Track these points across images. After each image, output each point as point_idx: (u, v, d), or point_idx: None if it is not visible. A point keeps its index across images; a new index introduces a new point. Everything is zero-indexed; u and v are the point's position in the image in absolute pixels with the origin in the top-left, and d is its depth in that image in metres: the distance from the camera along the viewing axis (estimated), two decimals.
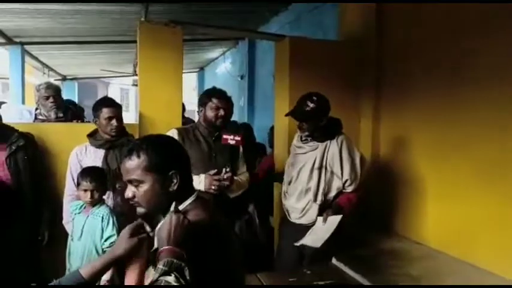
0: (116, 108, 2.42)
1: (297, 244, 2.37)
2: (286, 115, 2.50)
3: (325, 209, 2.41)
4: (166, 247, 1.01)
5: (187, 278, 0.94)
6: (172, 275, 0.92)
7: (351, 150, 2.45)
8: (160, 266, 0.95)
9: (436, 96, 2.82)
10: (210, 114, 2.36)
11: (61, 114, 3.01)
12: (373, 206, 3.35)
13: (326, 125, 2.43)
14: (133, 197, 1.17)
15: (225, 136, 2.31)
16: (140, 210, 1.20)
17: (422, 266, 2.45)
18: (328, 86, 3.28)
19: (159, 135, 1.33)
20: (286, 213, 2.58)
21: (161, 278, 0.92)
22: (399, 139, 3.21)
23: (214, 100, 2.36)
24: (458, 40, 2.63)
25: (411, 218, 3.04)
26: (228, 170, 2.23)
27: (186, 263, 0.97)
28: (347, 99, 3.48)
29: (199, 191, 1.40)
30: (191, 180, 1.32)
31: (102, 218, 2.13)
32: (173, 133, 2.33)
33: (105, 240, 2.12)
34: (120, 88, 20.75)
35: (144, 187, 1.15)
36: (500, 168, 2.34)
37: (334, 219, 2.33)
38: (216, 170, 2.23)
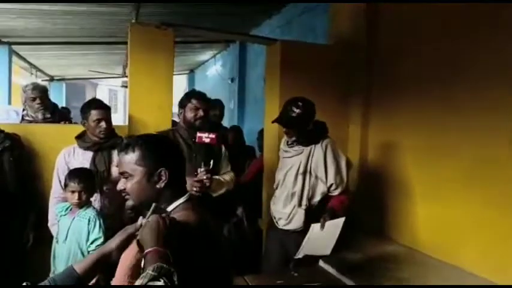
0: (105, 111, 2.41)
1: (299, 256, 2.32)
2: (273, 122, 2.50)
3: (311, 214, 2.41)
4: (151, 249, 1.01)
5: (176, 282, 0.95)
6: (162, 281, 0.93)
7: (336, 153, 2.47)
8: (149, 271, 0.94)
9: (424, 101, 2.86)
10: (189, 115, 2.41)
11: (48, 115, 2.98)
12: (361, 210, 3.38)
13: (311, 129, 2.45)
14: (124, 189, 1.24)
15: (199, 134, 2.31)
16: (129, 202, 1.29)
17: (410, 270, 2.48)
18: (318, 90, 3.31)
19: (156, 134, 1.41)
20: (274, 220, 2.58)
21: (150, 283, 0.92)
22: (387, 144, 3.25)
23: (193, 101, 2.42)
24: (449, 45, 2.67)
25: (399, 221, 3.08)
26: (202, 170, 2.23)
27: (174, 266, 0.98)
28: (336, 103, 3.51)
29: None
30: (183, 181, 1.34)
31: (89, 220, 2.11)
32: None
33: (91, 243, 2.09)
34: (109, 89, 20.56)
35: (134, 180, 1.21)
36: (484, 172, 2.39)
37: (338, 223, 2.30)
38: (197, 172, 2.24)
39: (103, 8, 4.43)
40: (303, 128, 2.41)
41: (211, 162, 2.26)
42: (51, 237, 2.26)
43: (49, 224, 2.36)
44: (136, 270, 1.06)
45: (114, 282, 1.14)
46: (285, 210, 2.50)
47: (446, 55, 2.70)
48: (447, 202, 2.64)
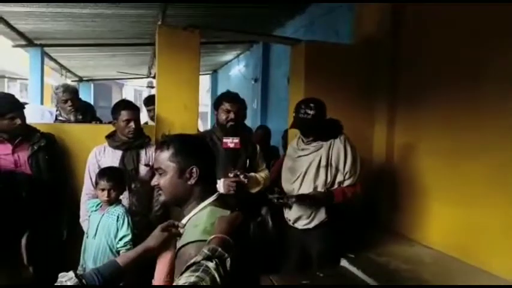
0: (134, 111, 2.48)
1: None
2: (290, 128, 2.56)
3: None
4: (219, 235, 1.06)
5: (228, 269, 0.98)
6: (214, 262, 0.95)
7: (353, 148, 2.51)
8: (205, 250, 0.99)
9: (451, 101, 2.80)
10: (222, 117, 2.46)
11: (80, 117, 3.09)
12: (386, 210, 3.35)
13: (328, 125, 2.48)
14: (158, 184, 1.29)
15: (224, 140, 2.42)
16: (161, 198, 1.34)
17: (434, 271, 2.44)
18: (343, 90, 3.31)
19: (190, 134, 1.46)
20: (289, 223, 2.57)
21: (203, 261, 0.95)
22: (413, 144, 3.20)
23: (225, 104, 2.47)
24: (477, 44, 2.61)
25: (423, 222, 3.03)
26: (238, 173, 2.33)
27: (231, 254, 1.01)
28: (361, 103, 3.48)
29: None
30: (214, 181, 1.39)
31: (118, 217, 2.17)
32: None
33: (120, 240, 2.15)
34: (134, 89, 21.01)
35: (166, 176, 1.26)
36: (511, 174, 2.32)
37: None
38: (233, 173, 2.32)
39: (130, 11, 4.55)
40: (319, 128, 2.45)
41: (247, 161, 2.37)
42: (83, 232, 2.35)
43: (80, 220, 2.45)
44: (172, 276, 1.12)
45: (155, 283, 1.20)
46: (302, 208, 2.49)
47: (472, 56, 2.64)
48: (474, 204, 2.58)
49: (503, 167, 2.38)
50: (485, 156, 2.52)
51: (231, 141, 2.42)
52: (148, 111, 3.77)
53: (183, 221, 1.28)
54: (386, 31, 3.43)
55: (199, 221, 1.20)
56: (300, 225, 2.53)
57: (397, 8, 3.38)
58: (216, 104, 2.52)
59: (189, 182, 1.25)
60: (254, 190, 2.50)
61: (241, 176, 2.32)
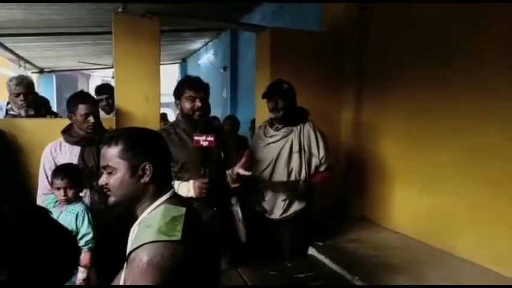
0: (93, 105, 2.31)
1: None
2: (265, 96, 2.49)
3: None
4: None
5: None
6: None
7: (321, 132, 2.56)
8: None
9: (419, 86, 2.83)
10: (186, 106, 2.15)
11: (32, 112, 2.88)
12: (352, 196, 3.38)
13: (296, 110, 2.52)
14: (106, 184, 1.20)
15: (196, 138, 2.11)
16: (111, 199, 1.22)
17: (402, 256, 2.48)
18: (310, 77, 3.28)
19: (142, 128, 1.33)
20: (265, 214, 2.55)
21: None
22: (380, 130, 3.22)
23: (188, 91, 2.15)
24: (443, 31, 2.63)
25: (390, 207, 3.08)
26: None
27: None
28: (329, 90, 3.48)
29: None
30: (169, 177, 1.30)
31: (77, 215, 2.06)
32: None
33: (81, 239, 2.06)
34: (101, 80, 20.32)
35: (117, 175, 1.17)
36: (479, 159, 2.37)
37: None
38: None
39: None
40: (291, 103, 2.46)
41: (222, 154, 2.18)
42: None
43: None
44: None
45: None
46: (279, 197, 2.47)
47: (437, 42, 2.66)
48: (440, 189, 2.64)
49: (469, 151, 2.43)
50: (451, 141, 2.56)
51: (204, 139, 2.10)
52: (100, 100, 3.24)
53: (136, 223, 1.21)
54: (354, 18, 3.42)
55: (152, 221, 1.12)
56: (276, 215, 2.50)
57: None
58: (178, 92, 2.20)
59: (142, 180, 1.17)
60: (234, 184, 2.33)
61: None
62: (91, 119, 2.28)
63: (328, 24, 3.63)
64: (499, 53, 2.25)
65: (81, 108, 2.26)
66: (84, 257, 2.02)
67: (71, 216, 2.07)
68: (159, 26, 2.90)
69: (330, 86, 3.47)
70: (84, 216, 2.08)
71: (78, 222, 2.07)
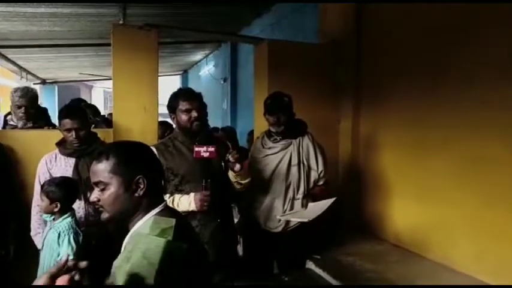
0: (75, 120, 2.23)
1: (280, 217, 2.36)
2: (265, 114, 2.47)
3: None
4: None
5: None
6: None
7: (320, 145, 2.55)
8: None
9: (415, 97, 2.83)
10: (183, 119, 2.11)
11: (30, 125, 2.87)
12: (350, 207, 3.35)
13: (295, 123, 2.51)
14: (98, 200, 1.17)
15: (196, 149, 2.03)
16: (104, 215, 1.18)
17: (400, 270, 2.44)
18: (308, 89, 3.29)
19: (131, 141, 1.32)
20: (260, 222, 2.51)
21: None
22: (378, 141, 3.21)
23: (183, 102, 2.12)
24: (439, 42, 2.64)
25: (389, 219, 3.04)
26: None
27: None
28: (327, 101, 3.49)
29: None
30: (161, 189, 1.29)
31: (59, 234, 2.00)
32: None
33: (60, 259, 2.01)
34: (104, 91, 20.43)
35: (110, 190, 1.15)
36: (476, 171, 2.35)
37: (327, 202, 2.31)
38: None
39: (89, 10, 4.35)
40: (291, 116, 2.46)
41: (223, 165, 2.11)
42: (35, 248, 2.19)
43: (31, 234, 2.28)
44: None
45: None
46: (277, 204, 2.45)
47: (433, 53, 2.67)
48: (437, 200, 2.61)
49: (466, 161, 2.42)
50: (448, 152, 2.55)
51: (204, 150, 2.02)
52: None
53: (128, 236, 1.19)
54: (351, 30, 3.44)
55: (138, 242, 1.09)
56: (272, 227, 2.46)
57: (360, 7, 3.40)
58: (171, 106, 2.15)
59: (136, 194, 1.15)
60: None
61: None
62: (73, 134, 2.22)
63: (325, 36, 3.66)
64: (491, 62, 2.26)
65: (64, 124, 2.23)
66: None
67: (54, 235, 2.01)
68: (157, 38, 2.91)
69: (327, 97, 3.48)
70: (65, 236, 2.00)
71: (60, 241, 2.00)
